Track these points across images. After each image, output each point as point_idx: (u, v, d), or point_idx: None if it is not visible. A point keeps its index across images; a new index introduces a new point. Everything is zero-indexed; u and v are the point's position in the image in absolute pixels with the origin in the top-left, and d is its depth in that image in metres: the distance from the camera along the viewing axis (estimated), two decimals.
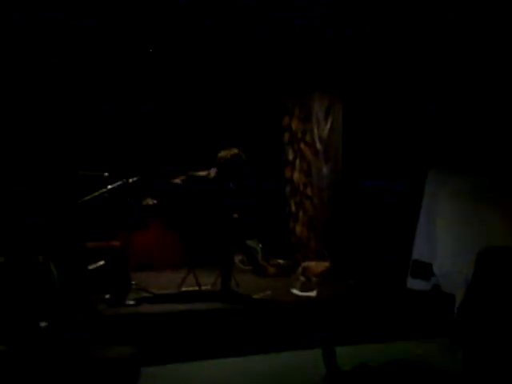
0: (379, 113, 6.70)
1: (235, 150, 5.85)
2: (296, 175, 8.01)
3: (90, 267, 5.34)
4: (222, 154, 5.87)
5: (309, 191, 7.76)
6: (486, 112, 5.96)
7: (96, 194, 5.39)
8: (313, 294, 5.81)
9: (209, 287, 5.83)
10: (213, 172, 5.87)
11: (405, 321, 5.63)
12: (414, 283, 6.29)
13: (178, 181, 5.74)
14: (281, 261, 7.65)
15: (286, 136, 8.20)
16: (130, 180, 5.49)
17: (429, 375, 3.35)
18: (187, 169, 5.93)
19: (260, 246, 7.50)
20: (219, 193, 5.81)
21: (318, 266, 6.99)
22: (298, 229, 7.93)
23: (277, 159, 8.29)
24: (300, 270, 7.04)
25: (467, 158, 6.18)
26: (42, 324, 4.26)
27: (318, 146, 7.50)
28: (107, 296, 5.21)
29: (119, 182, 5.46)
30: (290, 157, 8.13)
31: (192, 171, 5.86)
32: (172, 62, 7.59)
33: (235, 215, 5.85)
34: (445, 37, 6.00)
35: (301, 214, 7.89)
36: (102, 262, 5.46)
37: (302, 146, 7.87)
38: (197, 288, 5.70)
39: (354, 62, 6.83)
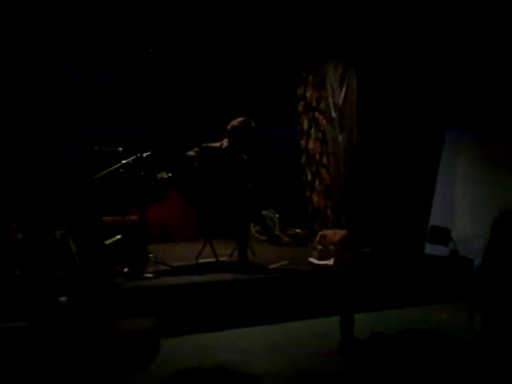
0: (393, 79, 6.61)
1: (243, 118, 5.85)
2: (311, 144, 7.97)
3: (108, 242, 5.37)
4: (231, 123, 5.88)
5: (324, 160, 7.72)
6: (504, 78, 5.87)
7: (111, 169, 5.40)
8: (330, 262, 5.81)
9: (226, 258, 5.85)
10: (225, 142, 5.88)
11: (423, 286, 5.64)
12: (431, 249, 6.29)
13: (191, 153, 5.75)
14: (298, 230, 7.66)
15: (301, 105, 8.15)
16: (144, 154, 5.50)
17: (443, 344, 3.34)
18: (201, 141, 5.93)
19: (277, 215, 7.50)
20: (233, 163, 5.81)
21: (335, 235, 6.99)
22: (315, 198, 7.90)
23: (292, 128, 8.25)
24: (317, 238, 7.07)
25: (484, 123, 6.10)
26: (62, 299, 4.30)
27: (333, 114, 7.43)
28: (125, 269, 5.25)
29: (133, 157, 5.47)
30: (305, 126, 8.07)
31: (205, 143, 5.86)
32: (188, 34, 7.53)
33: (250, 185, 5.84)
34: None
35: (317, 182, 7.87)
36: (119, 236, 5.49)
37: (317, 114, 7.81)
38: (214, 259, 5.73)
39: (366, 28, 6.73)
